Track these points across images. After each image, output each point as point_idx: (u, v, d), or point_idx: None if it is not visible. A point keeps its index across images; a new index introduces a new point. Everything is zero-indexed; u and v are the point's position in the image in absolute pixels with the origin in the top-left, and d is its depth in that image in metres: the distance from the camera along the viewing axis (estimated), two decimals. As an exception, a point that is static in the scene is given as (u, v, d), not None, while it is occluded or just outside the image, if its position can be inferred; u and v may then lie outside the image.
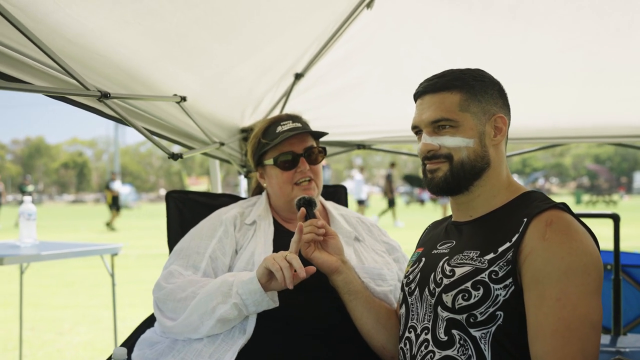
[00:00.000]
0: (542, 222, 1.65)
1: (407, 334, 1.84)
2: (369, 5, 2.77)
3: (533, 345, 1.60)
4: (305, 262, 2.04)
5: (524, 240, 1.65)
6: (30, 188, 26.21)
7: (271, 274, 1.94)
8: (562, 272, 1.59)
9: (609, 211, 3.10)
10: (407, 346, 1.82)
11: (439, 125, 1.79)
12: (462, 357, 1.65)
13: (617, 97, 3.45)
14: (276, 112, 3.31)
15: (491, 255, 1.67)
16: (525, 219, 1.68)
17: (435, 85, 1.82)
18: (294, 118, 2.40)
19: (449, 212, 2.01)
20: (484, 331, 1.63)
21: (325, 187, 2.69)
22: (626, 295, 3.51)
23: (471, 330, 1.65)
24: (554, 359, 1.55)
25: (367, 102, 3.58)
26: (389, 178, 22.16)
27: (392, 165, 23.89)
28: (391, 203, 20.75)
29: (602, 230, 2.88)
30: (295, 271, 1.91)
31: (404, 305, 1.90)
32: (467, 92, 1.80)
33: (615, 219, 3.03)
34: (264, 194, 2.48)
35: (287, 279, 1.89)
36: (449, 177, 1.79)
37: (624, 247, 3.15)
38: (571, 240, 1.62)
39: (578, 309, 1.57)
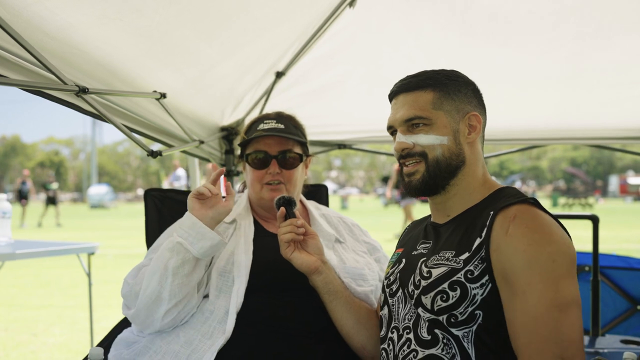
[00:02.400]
0: (507, 217, 1.65)
1: (389, 335, 1.83)
2: (351, 4, 2.76)
3: (512, 344, 1.60)
4: (286, 262, 2.03)
5: (491, 235, 1.65)
6: (54, 186, 25.00)
7: (199, 200, 2.06)
8: (525, 264, 1.58)
9: (588, 213, 3.12)
10: (390, 346, 1.81)
11: (412, 124, 1.81)
12: (447, 355, 1.64)
13: (596, 100, 3.49)
14: (257, 111, 3.29)
15: (466, 255, 1.68)
16: (492, 212, 1.69)
17: (408, 85, 1.84)
18: (283, 118, 2.38)
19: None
20: (466, 330, 1.63)
21: (307, 186, 2.68)
22: (603, 296, 3.54)
23: (453, 330, 1.65)
24: (527, 354, 1.55)
25: (348, 102, 3.58)
26: None
27: None
28: None
29: (579, 233, 2.90)
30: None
31: (385, 307, 1.89)
32: (440, 90, 1.82)
33: (595, 220, 3.05)
34: (245, 193, 2.46)
35: (208, 186, 2.06)
36: (426, 177, 1.80)
37: (601, 249, 3.17)
38: (533, 232, 1.62)
39: (543, 297, 1.56)
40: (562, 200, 36.56)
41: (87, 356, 2.22)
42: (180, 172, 17.80)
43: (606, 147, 4.05)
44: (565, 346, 1.52)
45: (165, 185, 18.69)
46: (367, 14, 2.86)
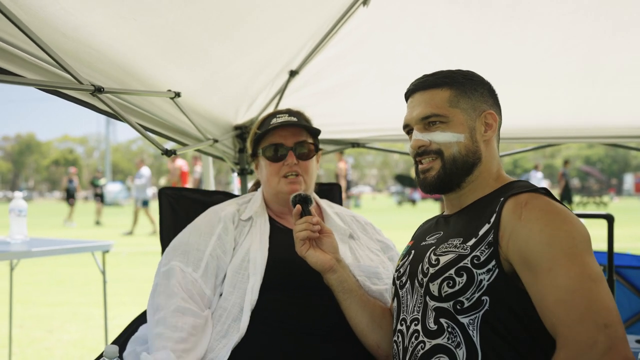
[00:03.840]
0: (518, 203, 1.65)
1: (399, 327, 1.83)
2: (365, 3, 2.76)
3: (546, 323, 1.56)
4: (300, 259, 2.03)
5: (501, 221, 1.65)
6: (102, 181, 23.73)
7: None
8: (544, 244, 1.57)
9: (603, 212, 3.09)
10: (400, 339, 1.81)
11: (429, 122, 1.82)
12: (452, 344, 1.64)
13: (611, 98, 3.47)
14: (270, 109, 3.29)
15: (473, 241, 1.68)
16: (501, 199, 1.69)
17: (425, 83, 1.86)
18: (293, 113, 2.40)
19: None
20: (472, 317, 1.62)
21: (320, 185, 2.69)
22: (618, 296, 3.51)
23: (459, 317, 1.64)
24: (566, 328, 1.50)
25: (361, 101, 3.58)
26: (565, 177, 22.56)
27: (566, 162, 23.98)
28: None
29: (594, 232, 2.87)
30: None
31: (395, 299, 1.90)
32: (456, 88, 1.83)
33: (610, 219, 3.03)
34: (259, 190, 2.46)
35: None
36: (442, 175, 1.81)
37: (615, 247, 3.14)
38: (547, 214, 1.62)
39: (572, 270, 1.53)
40: (576, 198, 36.26)
41: (102, 353, 2.24)
42: (144, 170, 17.82)
43: (621, 145, 4.02)
44: (606, 314, 1.48)
45: (129, 182, 18.60)
46: (381, 12, 2.86)
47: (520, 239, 1.61)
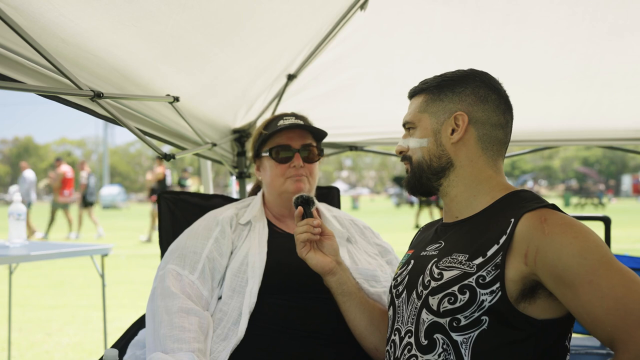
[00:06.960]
0: (536, 220, 1.61)
1: (392, 337, 1.81)
2: (362, 7, 2.77)
3: (596, 333, 1.55)
4: (300, 261, 2.04)
5: (514, 242, 1.62)
6: (190, 182, 21.57)
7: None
8: (578, 257, 1.55)
9: (600, 214, 3.11)
10: (392, 349, 1.79)
11: (407, 128, 1.89)
12: None
13: (609, 101, 3.48)
14: (269, 113, 3.31)
15: (480, 260, 1.64)
16: (512, 219, 1.65)
17: (414, 90, 1.91)
18: (298, 116, 2.44)
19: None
20: (466, 336, 1.61)
21: (319, 188, 2.70)
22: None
23: (453, 334, 1.62)
24: (625, 334, 1.49)
25: (359, 104, 3.59)
26: None
27: None
28: None
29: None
30: None
31: (391, 307, 1.88)
32: (431, 93, 1.84)
33: (606, 221, 3.05)
34: (259, 195, 2.48)
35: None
36: (411, 179, 1.88)
37: (613, 249, 3.15)
38: (570, 227, 1.59)
39: (613, 278, 1.52)
40: (574, 199, 36.30)
41: (102, 357, 2.25)
42: (28, 174, 17.73)
43: (619, 148, 4.03)
44: None
45: (13, 188, 18.40)
46: (378, 16, 2.87)
47: (550, 255, 1.57)
